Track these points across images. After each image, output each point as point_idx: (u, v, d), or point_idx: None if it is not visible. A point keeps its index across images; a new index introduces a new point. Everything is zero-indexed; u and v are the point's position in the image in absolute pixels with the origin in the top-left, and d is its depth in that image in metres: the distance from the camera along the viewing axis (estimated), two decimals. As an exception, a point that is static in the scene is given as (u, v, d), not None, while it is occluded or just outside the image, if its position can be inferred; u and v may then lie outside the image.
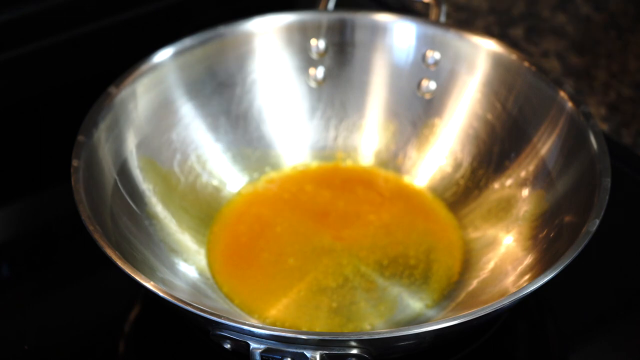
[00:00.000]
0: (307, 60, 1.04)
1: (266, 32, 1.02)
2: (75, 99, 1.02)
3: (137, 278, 0.77)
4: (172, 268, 0.91)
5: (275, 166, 1.03)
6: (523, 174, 0.95)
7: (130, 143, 0.94)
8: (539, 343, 0.88)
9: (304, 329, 0.87)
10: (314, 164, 1.03)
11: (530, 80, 0.97)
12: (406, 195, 1.00)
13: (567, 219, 0.87)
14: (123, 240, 0.86)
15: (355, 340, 0.73)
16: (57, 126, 1.08)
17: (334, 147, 1.04)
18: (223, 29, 1.01)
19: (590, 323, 0.90)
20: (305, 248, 0.94)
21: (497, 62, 0.99)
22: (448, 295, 0.90)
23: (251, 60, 1.03)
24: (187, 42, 0.99)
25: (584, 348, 0.89)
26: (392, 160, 1.03)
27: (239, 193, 1.00)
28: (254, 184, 1.01)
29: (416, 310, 0.89)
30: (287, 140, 1.03)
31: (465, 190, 0.99)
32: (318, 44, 1.04)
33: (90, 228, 0.80)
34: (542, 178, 0.93)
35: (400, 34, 1.03)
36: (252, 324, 0.73)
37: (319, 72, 1.04)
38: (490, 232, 0.94)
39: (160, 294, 0.76)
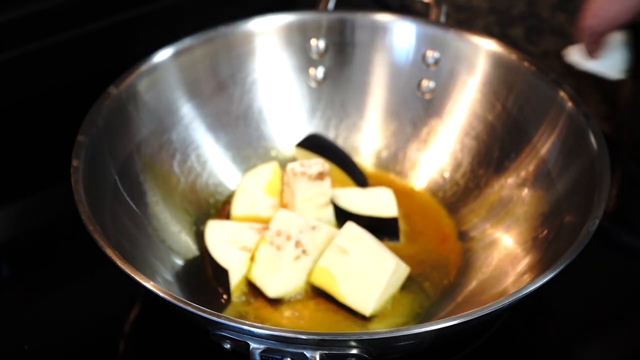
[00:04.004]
0: (307, 60, 1.04)
1: (266, 32, 1.02)
2: (75, 99, 1.02)
3: (137, 278, 0.77)
4: (172, 268, 0.91)
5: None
6: (523, 174, 0.95)
7: (130, 143, 0.94)
8: (539, 343, 0.88)
9: (304, 329, 0.87)
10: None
11: (530, 80, 0.97)
12: (406, 195, 1.00)
13: (567, 219, 0.87)
14: (123, 240, 0.86)
15: (355, 340, 0.73)
16: (57, 126, 1.08)
17: (334, 147, 1.04)
18: (223, 29, 1.01)
19: (590, 323, 0.90)
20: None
21: (497, 62, 0.99)
22: (448, 295, 0.90)
23: (251, 60, 1.03)
24: (187, 42, 0.99)
25: (584, 348, 0.89)
26: (392, 160, 1.03)
27: (239, 193, 1.00)
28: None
29: (416, 310, 0.89)
30: (288, 140, 1.03)
31: (465, 190, 0.99)
32: (318, 44, 1.04)
33: (90, 228, 0.80)
34: (542, 178, 0.93)
35: (400, 34, 1.03)
36: (252, 324, 0.73)
37: (319, 72, 1.04)
38: (490, 232, 0.94)
39: (160, 294, 0.76)
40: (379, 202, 0.95)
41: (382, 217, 0.94)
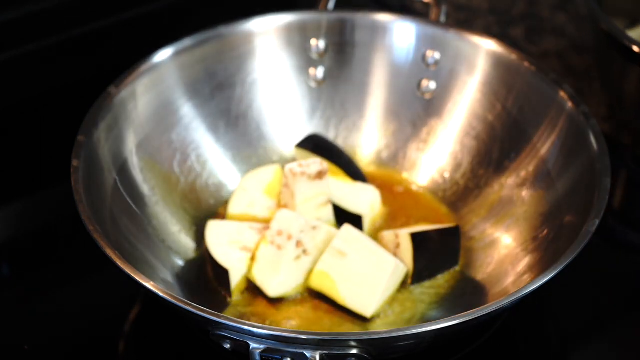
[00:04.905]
0: (307, 60, 1.04)
1: (266, 32, 1.02)
2: (75, 99, 1.02)
3: (137, 278, 0.77)
4: (172, 268, 0.91)
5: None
6: (523, 174, 0.95)
7: (130, 143, 0.94)
8: (539, 343, 0.88)
9: (304, 329, 0.87)
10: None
11: (530, 80, 0.97)
12: (406, 195, 1.00)
13: (567, 219, 0.87)
14: (123, 240, 0.86)
15: (355, 340, 0.73)
16: (57, 126, 1.08)
17: (334, 147, 1.04)
18: (223, 29, 1.01)
19: (590, 323, 0.90)
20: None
21: (497, 62, 0.99)
22: (448, 295, 0.90)
23: (251, 60, 1.02)
24: (187, 42, 0.99)
25: (584, 348, 0.89)
26: (392, 160, 1.03)
27: (239, 193, 1.00)
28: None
29: (415, 310, 0.89)
30: (287, 140, 1.03)
31: (465, 190, 0.99)
32: (318, 44, 1.04)
33: (90, 228, 0.80)
34: (542, 178, 0.93)
35: (400, 34, 1.03)
36: (252, 324, 0.73)
37: (319, 72, 1.04)
38: (490, 232, 0.94)
39: (160, 294, 0.76)
40: (357, 197, 0.95)
41: (348, 211, 0.94)
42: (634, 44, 0.95)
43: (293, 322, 0.88)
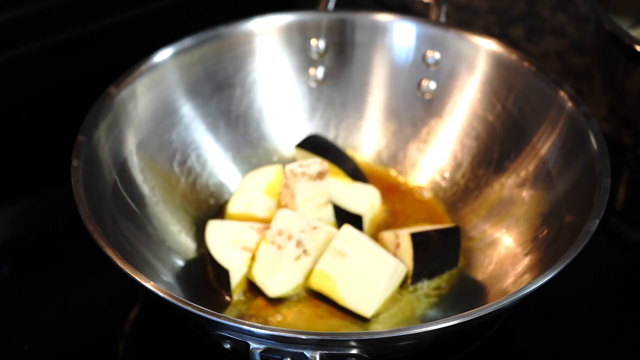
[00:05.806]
0: (307, 60, 1.04)
1: (266, 32, 1.02)
2: (75, 99, 1.02)
3: (137, 278, 0.77)
4: (172, 268, 0.91)
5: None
6: (523, 174, 0.95)
7: (130, 143, 0.94)
8: (539, 343, 0.88)
9: (304, 329, 0.87)
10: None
11: (530, 80, 0.97)
12: (406, 195, 1.00)
13: (567, 219, 0.87)
14: (123, 240, 0.86)
15: (355, 340, 0.73)
16: (57, 126, 1.08)
17: (334, 147, 1.04)
18: (223, 29, 1.01)
19: (590, 323, 0.90)
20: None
21: (497, 62, 0.99)
22: (448, 295, 0.90)
23: (251, 60, 1.03)
24: (187, 42, 0.99)
25: (584, 348, 0.89)
26: (392, 160, 1.03)
27: (239, 193, 1.00)
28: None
29: (415, 310, 0.89)
30: (287, 140, 1.03)
31: (466, 190, 0.99)
32: (318, 44, 1.04)
33: (90, 228, 0.80)
34: (542, 178, 0.93)
35: (400, 34, 1.03)
36: (252, 324, 0.73)
37: (319, 72, 1.04)
38: (490, 232, 0.94)
39: (160, 294, 0.76)
40: (357, 197, 0.95)
41: (348, 211, 0.94)
42: (636, 44, 0.95)
43: (293, 322, 0.88)
